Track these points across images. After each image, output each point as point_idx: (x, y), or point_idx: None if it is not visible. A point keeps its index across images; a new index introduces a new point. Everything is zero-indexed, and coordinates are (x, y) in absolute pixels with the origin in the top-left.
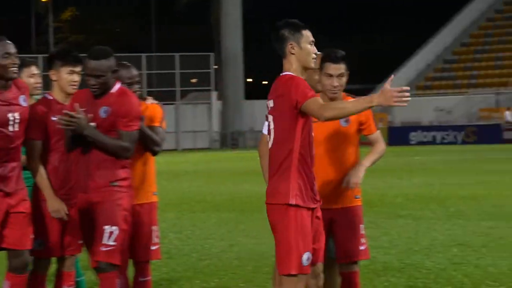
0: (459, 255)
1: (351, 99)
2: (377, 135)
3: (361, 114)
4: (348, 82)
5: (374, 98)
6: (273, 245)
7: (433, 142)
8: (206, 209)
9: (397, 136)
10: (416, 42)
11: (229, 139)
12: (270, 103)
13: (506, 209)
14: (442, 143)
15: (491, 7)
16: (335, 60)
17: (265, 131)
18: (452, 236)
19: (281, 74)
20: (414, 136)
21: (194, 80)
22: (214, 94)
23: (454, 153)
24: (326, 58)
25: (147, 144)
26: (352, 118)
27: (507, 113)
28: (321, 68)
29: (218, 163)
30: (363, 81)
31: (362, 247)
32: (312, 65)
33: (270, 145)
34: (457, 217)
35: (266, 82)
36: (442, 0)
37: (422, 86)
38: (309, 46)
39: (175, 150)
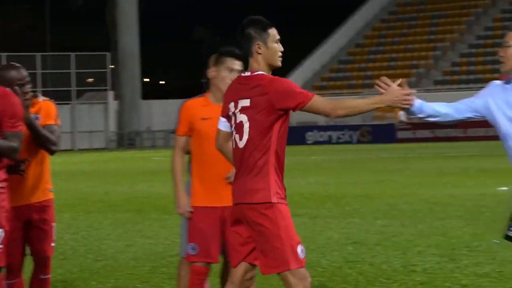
0: (354, 253)
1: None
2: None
3: None
4: None
5: (384, 99)
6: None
7: (329, 141)
8: (102, 209)
9: (294, 136)
10: (312, 43)
11: (126, 139)
12: (244, 102)
13: (400, 208)
14: (337, 143)
15: (384, 8)
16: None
17: (222, 128)
18: (347, 235)
19: (256, 73)
20: (310, 136)
21: (90, 80)
22: (110, 94)
23: (350, 152)
24: (227, 54)
25: (43, 143)
26: None
27: (401, 113)
28: (218, 63)
29: (115, 163)
30: None
31: None
32: (279, 63)
33: (239, 143)
34: (352, 216)
35: (163, 82)
36: (336, 2)
37: (318, 86)
38: (275, 45)
39: (71, 150)
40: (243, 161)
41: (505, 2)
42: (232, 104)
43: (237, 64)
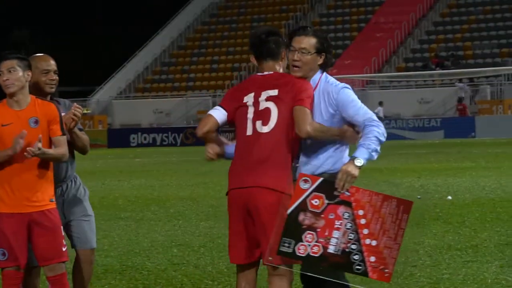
0: (179, 256)
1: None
2: (62, 139)
3: (50, 114)
4: (65, 84)
5: (344, 135)
6: None
7: (153, 144)
8: None
9: (117, 138)
10: (134, 44)
11: None
12: (272, 92)
13: (224, 210)
14: (162, 145)
15: (206, 11)
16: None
17: (216, 116)
18: (172, 237)
19: (274, 72)
20: (134, 138)
21: None
22: None
23: (174, 154)
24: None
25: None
26: (41, 119)
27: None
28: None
29: None
30: (82, 83)
31: (64, 249)
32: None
33: (260, 129)
34: (177, 218)
35: None
36: (158, 3)
37: (142, 88)
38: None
39: None
40: (264, 147)
41: (323, 6)
42: (251, 95)
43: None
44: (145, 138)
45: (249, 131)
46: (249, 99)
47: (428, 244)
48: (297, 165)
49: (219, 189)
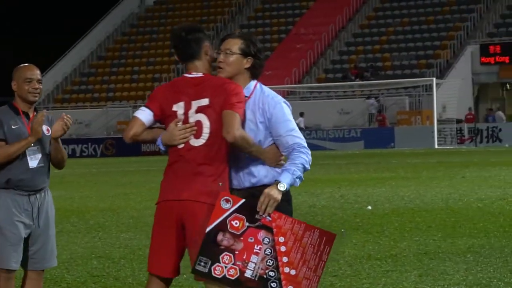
0: (98, 268)
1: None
2: None
3: None
4: None
5: (266, 156)
6: None
7: (73, 155)
8: None
9: None
10: (53, 54)
11: None
12: (202, 102)
13: (144, 220)
14: (82, 156)
15: (125, 21)
16: None
17: (143, 118)
18: (92, 249)
19: (204, 74)
20: None
21: None
22: None
23: (94, 165)
24: None
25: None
26: None
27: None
28: None
29: None
30: None
31: None
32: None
33: (193, 143)
34: (97, 230)
35: None
36: (78, 13)
37: (61, 99)
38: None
39: None
40: (196, 160)
41: (243, 17)
42: (181, 104)
43: None
44: (64, 149)
45: (181, 144)
46: (179, 109)
47: (348, 254)
48: (220, 184)
49: (139, 200)
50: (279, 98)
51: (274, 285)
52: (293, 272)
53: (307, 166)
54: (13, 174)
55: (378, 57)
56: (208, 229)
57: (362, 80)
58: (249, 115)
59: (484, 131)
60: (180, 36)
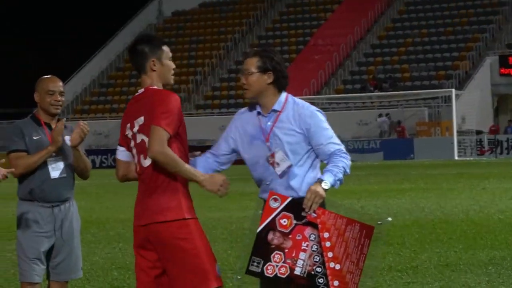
0: (119, 279)
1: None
2: None
3: None
4: (1, 106)
5: (202, 179)
6: None
7: (92, 166)
8: None
9: None
10: (71, 65)
11: None
12: (139, 120)
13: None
14: (101, 167)
15: (144, 32)
16: None
17: (122, 157)
18: (112, 260)
19: (145, 89)
20: None
21: None
22: None
23: (114, 176)
24: None
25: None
26: None
27: None
28: None
29: None
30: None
31: None
32: (172, 81)
33: (143, 163)
34: (117, 241)
35: None
36: (96, 24)
37: (80, 109)
38: (169, 62)
39: None
40: (151, 180)
41: (261, 28)
42: (128, 126)
43: None
44: (87, 158)
45: (137, 167)
46: (128, 131)
47: (368, 265)
48: (267, 183)
49: None
50: (313, 107)
51: (321, 280)
52: (337, 266)
53: (348, 170)
54: (35, 184)
55: (397, 68)
56: (259, 229)
57: (381, 91)
58: (287, 127)
59: (504, 143)
60: (129, 48)
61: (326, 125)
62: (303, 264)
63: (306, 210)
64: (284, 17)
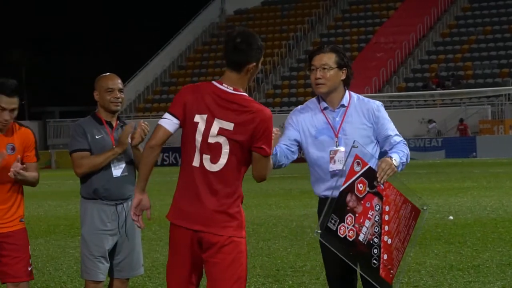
0: None
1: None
2: (35, 165)
3: (27, 141)
4: (67, 104)
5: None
6: None
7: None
8: None
9: None
10: (135, 64)
11: None
12: (226, 125)
13: None
14: (162, 165)
15: (206, 31)
16: (9, 94)
17: (168, 127)
18: None
19: (235, 90)
20: None
21: None
22: None
23: (175, 174)
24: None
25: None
26: (18, 147)
27: None
28: None
29: None
30: (81, 103)
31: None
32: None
33: (209, 167)
34: None
35: None
36: (159, 24)
37: (142, 108)
38: (255, 74)
39: None
40: (218, 184)
41: (323, 26)
42: (204, 117)
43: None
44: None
45: (195, 162)
46: (200, 121)
47: (430, 264)
48: (355, 146)
49: None
50: (376, 101)
51: (375, 251)
52: (389, 241)
53: (408, 159)
54: (99, 183)
55: (460, 66)
56: (342, 189)
57: (443, 89)
58: (358, 121)
59: None
60: (233, 39)
61: (389, 117)
62: (366, 232)
63: (379, 179)
64: (347, 15)
